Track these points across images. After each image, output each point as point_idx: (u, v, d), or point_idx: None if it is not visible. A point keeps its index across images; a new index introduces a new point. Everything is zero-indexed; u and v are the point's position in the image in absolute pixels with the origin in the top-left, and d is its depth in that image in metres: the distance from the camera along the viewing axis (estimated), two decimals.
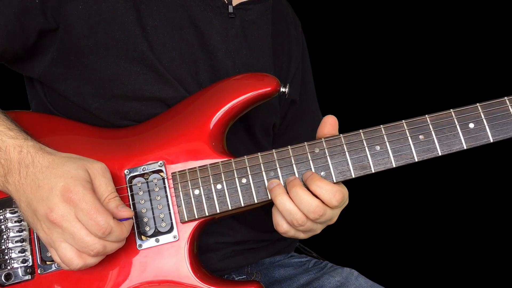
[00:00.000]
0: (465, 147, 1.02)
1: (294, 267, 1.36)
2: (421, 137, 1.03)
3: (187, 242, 1.05)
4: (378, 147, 1.03)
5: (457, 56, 2.46)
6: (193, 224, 1.06)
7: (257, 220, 1.25)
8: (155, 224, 1.06)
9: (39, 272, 1.05)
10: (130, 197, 1.07)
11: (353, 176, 1.03)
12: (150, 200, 1.07)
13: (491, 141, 1.02)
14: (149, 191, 1.07)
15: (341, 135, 1.05)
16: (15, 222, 1.07)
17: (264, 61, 1.27)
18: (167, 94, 1.14)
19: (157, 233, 1.06)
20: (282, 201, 1.00)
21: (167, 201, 1.06)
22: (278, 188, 1.01)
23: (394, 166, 1.03)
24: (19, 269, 1.05)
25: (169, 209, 1.06)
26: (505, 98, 1.03)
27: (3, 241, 1.06)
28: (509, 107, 1.02)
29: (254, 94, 1.10)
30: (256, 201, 1.05)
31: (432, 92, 2.45)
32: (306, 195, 0.99)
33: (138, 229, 1.06)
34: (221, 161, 1.07)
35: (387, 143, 1.03)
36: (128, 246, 1.04)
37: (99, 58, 1.11)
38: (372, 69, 2.56)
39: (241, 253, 1.27)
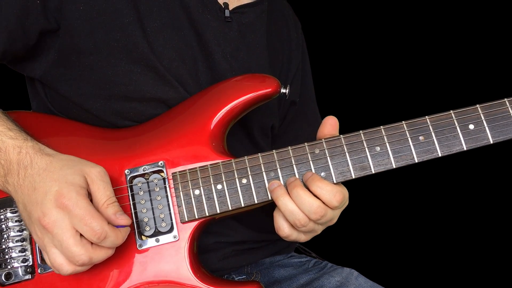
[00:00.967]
0: (465, 148, 1.02)
1: (294, 267, 1.36)
2: (421, 138, 1.03)
3: (187, 242, 1.05)
4: (378, 148, 1.03)
5: (457, 57, 2.47)
6: (193, 224, 1.06)
7: (257, 220, 1.26)
8: (155, 224, 1.06)
9: (39, 271, 1.05)
10: (130, 197, 1.07)
11: (353, 177, 1.03)
12: (151, 200, 1.07)
13: (491, 142, 1.02)
14: (149, 191, 1.07)
15: (341, 135, 1.05)
16: (16, 221, 1.07)
17: (261, 63, 1.27)
18: (167, 94, 1.14)
19: (157, 233, 1.06)
20: (284, 202, 1.00)
21: (168, 201, 1.06)
22: (279, 189, 1.01)
23: (394, 167, 1.03)
24: (19, 269, 1.05)
25: (169, 209, 1.06)
26: (505, 99, 1.03)
27: (3, 240, 1.06)
28: (509, 108, 1.02)
29: (255, 95, 1.11)
30: (256, 202, 1.05)
31: (432, 93, 2.45)
32: (307, 196, 0.99)
33: (138, 229, 1.06)
34: (222, 162, 1.07)
35: (387, 144, 1.03)
36: (128, 246, 1.04)
37: (100, 58, 1.11)
38: (372, 70, 2.56)
39: (241, 253, 1.27)
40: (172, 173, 1.08)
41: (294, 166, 1.05)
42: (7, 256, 1.05)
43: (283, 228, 1.04)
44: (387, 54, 2.54)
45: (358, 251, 2.52)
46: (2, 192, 1.05)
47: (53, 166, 0.97)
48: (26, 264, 1.05)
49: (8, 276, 1.05)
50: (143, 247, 1.05)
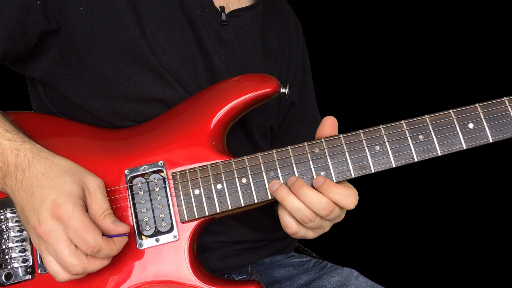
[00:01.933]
0: (464, 147, 1.02)
1: (294, 267, 1.36)
2: (420, 137, 1.03)
3: (187, 242, 1.06)
4: (377, 147, 1.04)
5: (457, 56, 2.47)
6: (193, 224, 1.06)
7: (257, 220, 1.26)
8: (155, 224, 1.06)
9: (39, 271, 1.05)
10: (130, 197, 1.07)
11: (353, 176, 1.04)
12: (151, 200, 1.07)
13: (491, 141, 1.02)
14: (149, 191, 1.07)
15: (341, 135, 1.05)
16: (16, 221, 1.07)
17: (257, 65, 1.28)
18: (167, 95, 1.15)
19: (157, 233, 1.06)
20: (291, 201, 1.00)
21: (167, 201, 1.07)
22: (282, 189, 1.02)
23: (393, 166, 1.03)
24: (20, 269, 1.05)
25: (169, 209, 1.06)
26: (505, 98, 1.03)
27: (3, 240, 1.06)
28: (509, 107, 1.02)
29: (255, 94, 1.11)
30: (256, 201, 1.05)
31: (432, 92, 2.45)
32: (315, 194, 1.00)
33: (138, 229, 1.06)
34: (221, 161, 1.07)
35: (386, 143, 1.03)
36: (128, 246, 1.04)
37: (100, 59, 1.12)
38: (372, 69, 2.56)
39: (241, 252, 1.27)
40: (172, 173, 1.08)
41: (293, 165, 1.05)
42: (7, 257, 1.06)
43: (290, 226, 1.04)
44: (387, 54, 2.54)
45: (358, 251, 2.52)
46: (2, 193, 1.05)
47: (52, 171, 0.97)
48: (26, 264, 1.05)
49: (8, 276, 1.05)
50: (143, 247, 1.05)
